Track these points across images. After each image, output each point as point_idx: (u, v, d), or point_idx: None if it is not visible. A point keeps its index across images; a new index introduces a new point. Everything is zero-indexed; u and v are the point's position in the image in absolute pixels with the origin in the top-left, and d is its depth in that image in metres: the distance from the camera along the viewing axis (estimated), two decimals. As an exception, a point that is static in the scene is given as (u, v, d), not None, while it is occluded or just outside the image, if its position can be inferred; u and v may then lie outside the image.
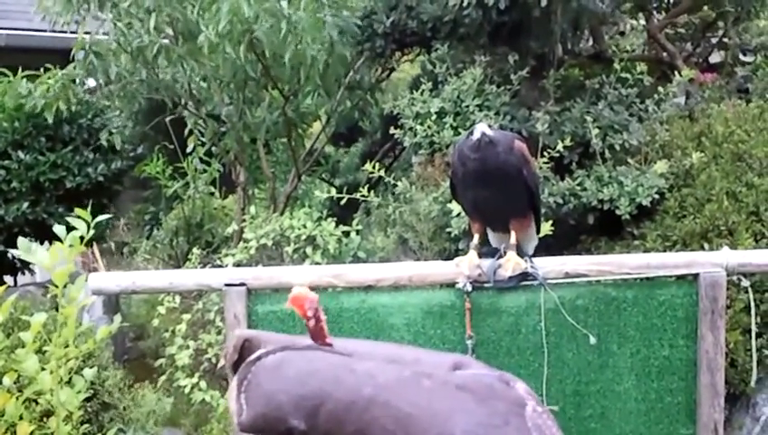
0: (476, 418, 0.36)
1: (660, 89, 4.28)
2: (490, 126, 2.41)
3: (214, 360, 4.17)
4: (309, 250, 4.15)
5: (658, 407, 2.56)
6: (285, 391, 0.39)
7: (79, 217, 1.98)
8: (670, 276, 2.55)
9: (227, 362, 0.45)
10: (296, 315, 2.10)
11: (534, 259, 2.51)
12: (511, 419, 0.37)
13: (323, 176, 8.07)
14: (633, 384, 2.54)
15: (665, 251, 3.66)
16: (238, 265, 4.15)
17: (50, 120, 5.36)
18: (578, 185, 3.98)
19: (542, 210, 3.77)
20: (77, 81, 5.23)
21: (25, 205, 5.79)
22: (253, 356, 0.43)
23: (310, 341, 0.46)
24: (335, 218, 4.42)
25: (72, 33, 5.43)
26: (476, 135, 2.32)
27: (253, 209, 4.74)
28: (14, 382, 2.21)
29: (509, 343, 2.52)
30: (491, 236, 2.65)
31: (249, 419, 0.40)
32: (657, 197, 3.89)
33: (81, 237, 1.99)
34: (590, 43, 5.32)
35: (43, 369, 2.12)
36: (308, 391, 0.38)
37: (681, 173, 4.08)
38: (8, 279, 6.52)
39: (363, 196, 4.17)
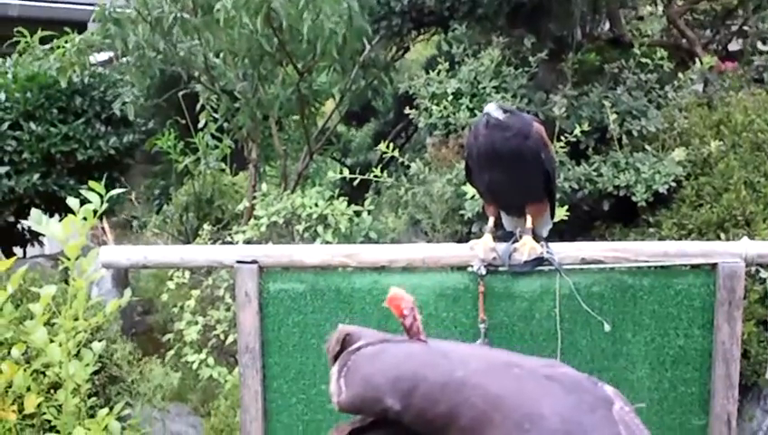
0: (565, 403, 0.36)
1: (680, 75, 4.22)
2: (505, 109, 2.34)
3: (222, 337, 4.16)
4: (320, 229, 4.12)
5: (672, 396, 2.53)
6: (383, 373, 0.40)
7: (92, 189, 1.95)
8: (687, 265, 2.52)
9: (329, 353, 0.45)
10: (307, 295, 2.08)
11: (550, 244, 2.48)
12: (598, 409, 0.37)
13: (335, 155, 8.03)
14: (647, 373, 2.51)
15: (680, 240, 3.62)
16: (248, 242, 4.13)
17: (63, 85, 5.32)
18: (594, 171, 3.93)
19: (557, 195, 3.75)
20: (93, 48, 5.18)
21: (36, 176, 5.77)
22: (354, 346, 0.44)
23: (406, 337, 0.47)
24: (346, 198, 4.39)
25: (87, 4, 5.38)
26: (485, 116, 2.28)
27: (264, 187, 4.70)
28: (23, 354, 2.20)
29: (522, 329, 2.49)
30: (505, 219, 2.62)
31: (348, 399, 0.41)
32: (673, 184, 3.85)
33: (95, 211, 1.97)
34: (608, 27, 5.25)
35: (51, 341, 2.10)
36: (404, 373, 0.39)
37: (699, 161, 4.03)
38: (17, 251, 6.53)
39: (376, 176, 4.14)
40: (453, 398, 0.38)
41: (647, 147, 4.09)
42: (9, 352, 2.21)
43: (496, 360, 0.41)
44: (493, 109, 2.30)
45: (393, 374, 0.40)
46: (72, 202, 1.96)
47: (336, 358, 0.44)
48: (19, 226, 6.33)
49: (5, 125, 5.73)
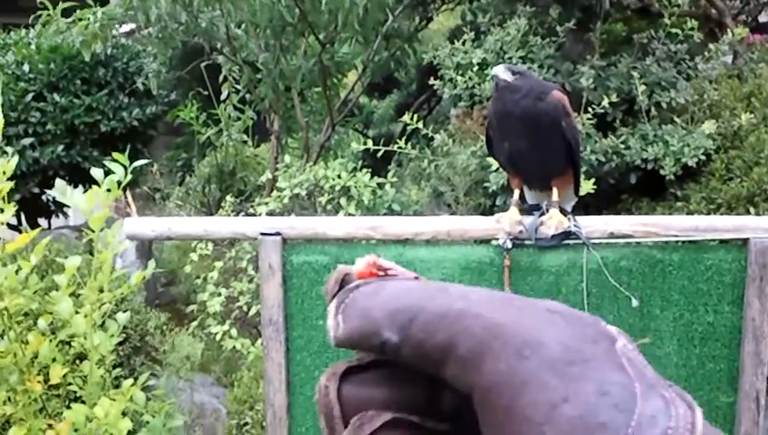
0: (566, 333, 0.35)
1: (711, 46, 4.13)
2: (514, 71, 2.26)
3: (245, 308, 4.17)
4: (343, 201, 4.10)
5: (699, 373, 2.49)
6: (381, 307, 0.39)
7: (116, 160, 1.94)
8: (717, 240, 2.47)
9: (328, 294, 0.44)
10: (331, 267, 2.07)
11: (577, 218, 2.44)
12: (601, 341, 0.35)
13: (357, 127, 7.99)
14: (674, 349, 2.48)
15: (709, 214, 3.56)
16: (271, 214, 4.12)
17: (86, 59, 5.31)
18: (621, 143, 3.87)
19: (583, 168, 3.69)
20: (115, 21, 5.16)
21: (60, 148, 5.79)
22: (352, 284, 0.42)
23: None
24: (369, 170, 4.36)
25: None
26: (494, 79, 2.22)
27: (287, 158, 4.68)
28: (48, 325, 2.21)
29: (548, 303, 2.45)
30: (528, 194, 2.57)
31: (344, 332, 0.40)
32: (703, 158, 3.78)
33: (118, 182, 1.95)
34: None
35: (76, 312, 2.10)
36: (402, 306, 0.38)
37: (729, 134, 3.95)
38: (42, 222, 6.58)
39: (400, 148, 4.10)
40: (451, 327, 0.37)
41: (676, 119, 4.02)
42: (35, 323, 2.22)
43: (497, 294, 0.40)
44: (501, 71, 2.22)
45: (391, 307, 0.39)
46: (96, 173, 1.95)
47: (332, 299, 0.43)
48: (44, 197, 6.37)
49: (29, 96, 5.74)
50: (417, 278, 0.44)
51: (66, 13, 5.35)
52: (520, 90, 2.22)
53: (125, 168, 1.94)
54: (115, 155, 1.93)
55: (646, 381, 0.35)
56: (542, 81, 2.38)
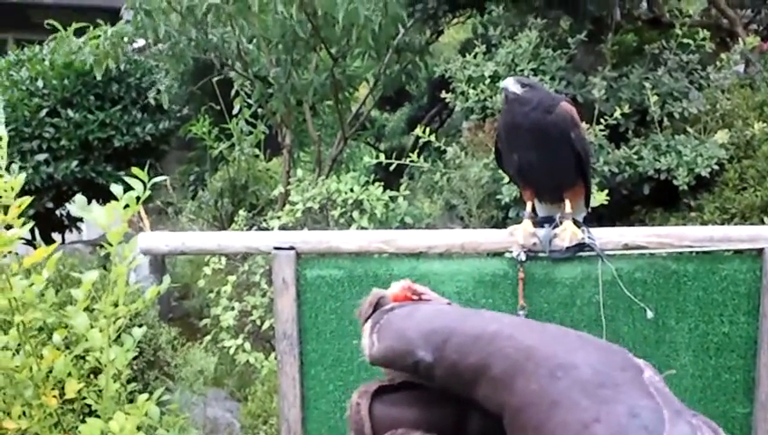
0: (596, 358, 0.35)
1: (723, 56, 4.12)
2: (523, 83, 2.27)
3: (258, 322, 4.17)
4: (356, 214, 4.10)
5: (715, 384, 2.47)
6: (416, 328, 0.39)
7: (134, 176, 1.95)
8: (731, 251, 2.46)
9: (362, 315, 0.44)
10: (345, 281, 2.07)
11: (591, 229, 2.43)
12: (629, 369, 0.35)
13: (369, 140, 8.01)
14: (690, 360, 2.46)
15: (723, 224, 3.55)
16: (284, 227, 4.13)
17: (99, 77, 5.36)
18: (634, 154, 3.86)
19: (596, 179, 3.68)
20: (126, 39, 5.21)
21: (74, 163, 5.83)
22: (387, 306, 0.43)
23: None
24: (381, 183, 4.37)
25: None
26: (503, 91, 2.23)
27: (299, 172, 4.70)
28: (63, 339, 2.21)
29: (563, 315, 2.45)
30: (538, 207, 2.56)
31: (379, 351, 0.41)
32: (716, 168, 3.76)
33: (137, 197, 1.96)
34: (646, 7, 5.15)
35: (92, 327, 2.11)
36: (436, 326, 0.39)
37: (742, 144, 3.94)
38: (56, 237, 6.61)
39: (413, 161, 4.10)
40: (485, 348, 0.38)
41: (688, 129, 4.00)
42: (50, 338, 2.23)
43: (527, 320, 0.41)
44: (510, 83, 2.23)
45: (426, 328, 0.40)
46: (116, 189, 1.96)
47: (367, 321, 0.44)
48: (58, 212, 6.41)
49: (43, 112, 5.79)
50: (449, 304, 0.45)
51: (78, 32, 5.41)
52: (529, 102, 2.22)
53: (144, 183, 1.95)
54: (134, 170, 1.94)
55: (673, 408, 0.35)
56: (552, 93, 2.37)
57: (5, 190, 2.00)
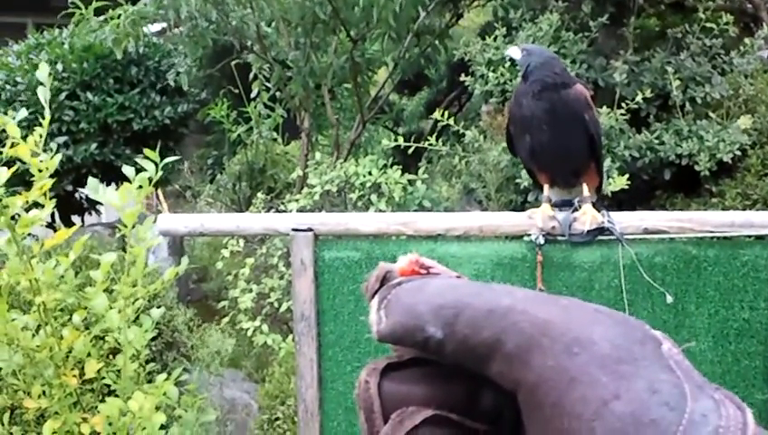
0: (614, 332, 0.34)
1: (747, 41, 4.06)
2: (522, 48, 2.28)
3: (276, 304, 4.18)
4: (374, 198, 4.09)
5: (734, 370, 2.46)
6: (425, 302, 0.38)
7: (147, 157, 1.95)
8: (754, 236, 2.43)
9: (368, 290, 0.43)
10: (363, 263, 2.06)
11: (611, 214, 2.41)
12: (648, 343, 0.35)
13: (387, 124, 7.99)
14: (709, 346, 2.45)
15: (744, 210, 3.51)
16: (302, 210, 4.13)
17: (118, 57, 5.36)
18: (655, 138, 3.82)
19: (616, 164, 3.65)
20: (146, 19, 5.20)
21: (93, 146, 5.86)
22: (394, 281, 0.42)
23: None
24: (399, 167, 4.35)
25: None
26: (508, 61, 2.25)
27: (317, 156, 4.70)
28: (83, 320, 2.23)
29: (581, 299, 2.42)
30: (549, 191, 2.53)
31: (388, 327, 0.39)
32: (738, 153, 3.72)
33: (150, 179, 1.97)
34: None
35: (111, 308, 2.12)
36: (447, 301, 0.38)
37: (765, 129, 3.89)
38: (76, 219, 6.66)
39: (431, 144, 4.09)
40: (498, 323, 0.37)
41: (711, 114, 3.96)
42: (70, 319, 2.24)
43: (541, 293, 0.40)
44: (513, 52, 2.26)
45: (436, 303, 0.39)
46: (128, 170, 1.96)
47: (373, 296, 0.43)
48: (77, 194, 6.45)
49: (63, 95, 5.81)
50: (459, 277, 0.44)
51: (98, 12, 5.41)
52: (545, 70, 2.22)
53: (156, 165, 1.95)
54: (146, 152, 1.94)
55: (694, 382, 0.34)
56: (564, 73, 2.34)
57: (40, 170, 2.01)
